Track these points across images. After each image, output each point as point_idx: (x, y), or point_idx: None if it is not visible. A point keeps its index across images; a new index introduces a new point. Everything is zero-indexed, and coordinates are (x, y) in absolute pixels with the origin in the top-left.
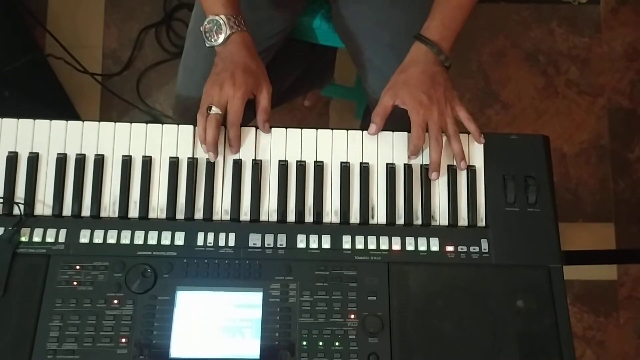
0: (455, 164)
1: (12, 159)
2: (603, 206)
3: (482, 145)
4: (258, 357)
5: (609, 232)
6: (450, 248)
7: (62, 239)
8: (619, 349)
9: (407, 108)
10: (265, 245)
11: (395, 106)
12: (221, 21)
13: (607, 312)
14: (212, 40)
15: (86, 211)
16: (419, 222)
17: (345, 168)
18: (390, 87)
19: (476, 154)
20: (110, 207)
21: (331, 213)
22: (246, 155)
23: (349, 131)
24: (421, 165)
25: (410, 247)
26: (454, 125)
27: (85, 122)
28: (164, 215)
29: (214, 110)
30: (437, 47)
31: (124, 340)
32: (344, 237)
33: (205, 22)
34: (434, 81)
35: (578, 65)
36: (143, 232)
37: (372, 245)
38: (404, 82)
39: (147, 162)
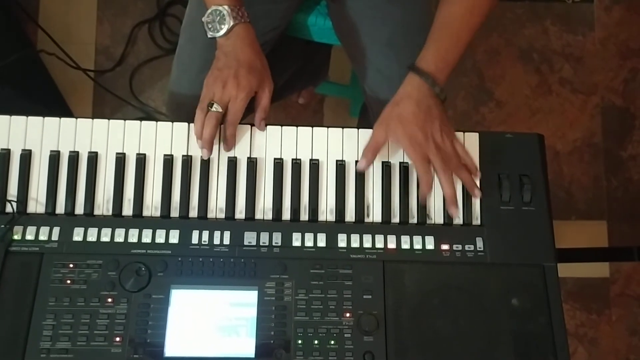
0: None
1: (4, 156)
2: (596, 204)
3: (477, 143)
4: (253, 355)
5: (602, 229)
6: (445, 247)
7: (55, 237)
8: (611, 346)
9: (402, 145)
10: (261, 244)
11: (388, 141)
12: (224, 12)
13: (599, 310)
14: (214, 31)
15: (80, 209)
16: (415, 220)
17: (340, 166)
18: (383, 121)
19: (471, 153)
20: (104, 205)
21: (326, 211)
22: (241, 153)
23: (345, 129)
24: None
25: (405, 245)
26: (457, 157)
27: (78, 119)
28: (158, 214)
29: (215, 107)
30: (431, 79)
31: (118, 339)
32: (339, 235)
33: (207, 12)
34: (429, 115)
35: (572, 63)
36: (137, 230)
37: (367, 244)
38: (398, 117)
39: (141, 160)
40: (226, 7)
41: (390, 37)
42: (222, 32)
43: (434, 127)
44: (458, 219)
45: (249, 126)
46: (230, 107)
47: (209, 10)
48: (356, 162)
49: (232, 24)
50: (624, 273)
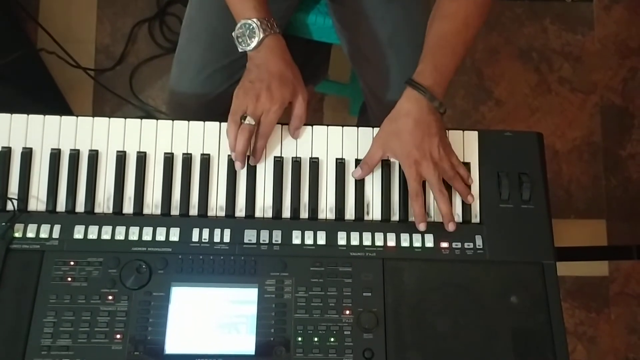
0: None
1: (5, 154)
2: (595, 203)
3: (476, 142)
4: (253, 352)
5: (601, 228)
6: (444, 244)
7: (56, 234)
8: (610, 344)
9: (399, 161)
10: (261, 242)
11: (385, 157)
12: (254, 25)
13: (598, 308)
14: (245, 45)
15: (80, 207)
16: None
17: (340, 165)
18: (381, 136)
19: (470, 151)
20: (104, 202)
21: (326, 209)
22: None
23: (345, 127)
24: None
25: (405, 243)
26: (452, 169)
27: (79, 118)
28: (158, 211)
29: (249, 120)
30: (429, 94)
31: (118, 336)
32: (339, 233)
33: (237, 27)
34: (427, 133)
35: (571, 62)
36: (138, 228)
37: (367, 242)
38: (396, 134)
39: (141, 158)
40: (255, 20)
41: (390, 36)
42: (252, 46)
43: (432, 144)
44: (457, 217)
45: None
46: (263, 120)
47: (239, 24)
48: (356, 160)
49: (262, 36)
50: (623, 272)
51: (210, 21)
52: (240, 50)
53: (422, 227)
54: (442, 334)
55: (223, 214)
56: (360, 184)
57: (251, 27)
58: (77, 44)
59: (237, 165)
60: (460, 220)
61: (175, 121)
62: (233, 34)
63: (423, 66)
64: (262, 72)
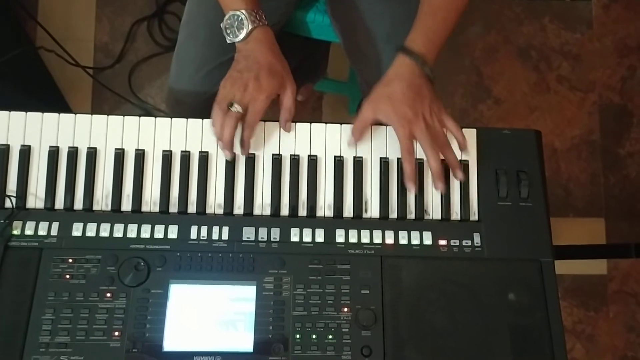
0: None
1: (3, 152)
2: (594, 201)
3: (475, 139)
4: (251, 350)
5: (600, 227)
6: (443, 242)
7: (54, 232)
8: (609, 342)
9: (392, 124)
10: (259, 239)
11: (377, 120)
12: (242, 16)
13: (596, 307)
14: (233, 36)
15: (79, 204)
16: (412, 216)
17: (339, 162)
18: (372, 100)
19: (469, 149)
20: (103, 200)
21: (325, 207)
22: (240, 148)
23: (343, 125)
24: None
25: (403, 241)
26: (444, 136)
27: (77, 115)
28: (157, 209)
29: (235, 107)
30: (421, 60)
31: (117, 333)
32: (337, 231)
33: (225, 18)
34: (419, 94)
35: (570, 61)
36: (136, 225)
37: (365, 239)
38: (388, 96)
39: (140, 156)
40: (244, 11)
41: (389, 34)
42: (241, 37)
43: (424, 106)
44: (455, 215)
45: None
46: (251, 108)
47: (227, 16)
48: (354, 158)
49: (250, 28)
50: (622, 270)
51: (209, 18)
52: (228, 41)
53: (411, 186)
54: (440, 331)
55: (221, 211)
56: (358, 182)
57: (240, 18)
58: (76, 42)
59: (226, 154)
60: (459, 217)
61: (173, 119)
62: (222, 25)
63: (415, 33)
64: (250, 63)
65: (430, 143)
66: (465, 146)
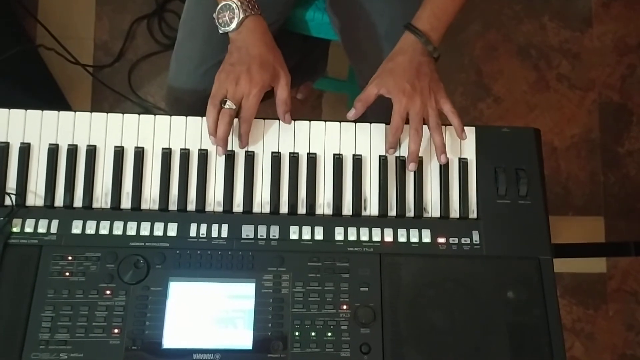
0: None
1: (3, 150)
2: (593, 200)
3: (474, 137)
4: (250, 347)
5: (599, 225)
6: (441, 239)
7: (54, 229)
8: (608, 341)
9: (391, 97)
10: (258, 237)
11: (380, 95)
12: (234, 5)
13: (596, 305)
14: (225, 26)
15: (78, 202)
16: (411, 213)
17: (338, 160)
18: (377, 75)
19: (468, 147)
20: (102, 198)
21: (324, 205)
22: (238, 142)
23: (342, 123)
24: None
25: (402, 238)
26: (437, 117)
27: (77, 113)
28: (156, 207)
29: (228, 104)
30: (425, 38)
31: (116, 330)
32: (336, 228)
33: (218, 8)
34: (420, 71)
35: (569, 59)
36: (135, 223)
37: (364, 237)
38: (390, 70)
39: (139, 153)
40: (235, 0)
41: (388, 31)
42: (232, 26)
43: (423, 83)
44: (454, 212)
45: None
46: (244, 104)
47: (219, 6)
48: (353, 155)
49: (242, 16)
50: (621, 268)
51: (208, 16)
52: (220, 31)
53: (390, 149)
54: (439, 329)
55: (221, 209)
56: (357, 179)
57: (231, 7)
58: (76, 41)
59: (219, 150)
60: (458, 215)
61: (173, 117)
62: (214, 15)
63: (421, 11)
64: (242, 55)
65: (417, 125)
66: (461, 131)
